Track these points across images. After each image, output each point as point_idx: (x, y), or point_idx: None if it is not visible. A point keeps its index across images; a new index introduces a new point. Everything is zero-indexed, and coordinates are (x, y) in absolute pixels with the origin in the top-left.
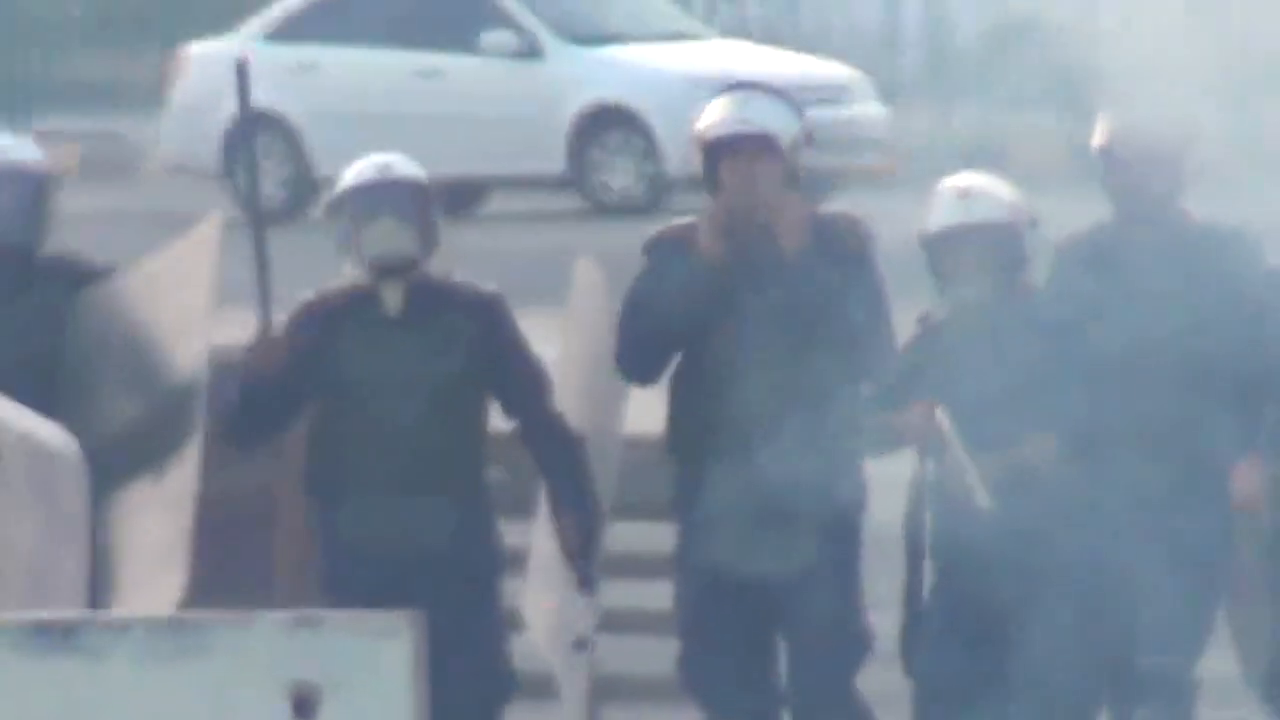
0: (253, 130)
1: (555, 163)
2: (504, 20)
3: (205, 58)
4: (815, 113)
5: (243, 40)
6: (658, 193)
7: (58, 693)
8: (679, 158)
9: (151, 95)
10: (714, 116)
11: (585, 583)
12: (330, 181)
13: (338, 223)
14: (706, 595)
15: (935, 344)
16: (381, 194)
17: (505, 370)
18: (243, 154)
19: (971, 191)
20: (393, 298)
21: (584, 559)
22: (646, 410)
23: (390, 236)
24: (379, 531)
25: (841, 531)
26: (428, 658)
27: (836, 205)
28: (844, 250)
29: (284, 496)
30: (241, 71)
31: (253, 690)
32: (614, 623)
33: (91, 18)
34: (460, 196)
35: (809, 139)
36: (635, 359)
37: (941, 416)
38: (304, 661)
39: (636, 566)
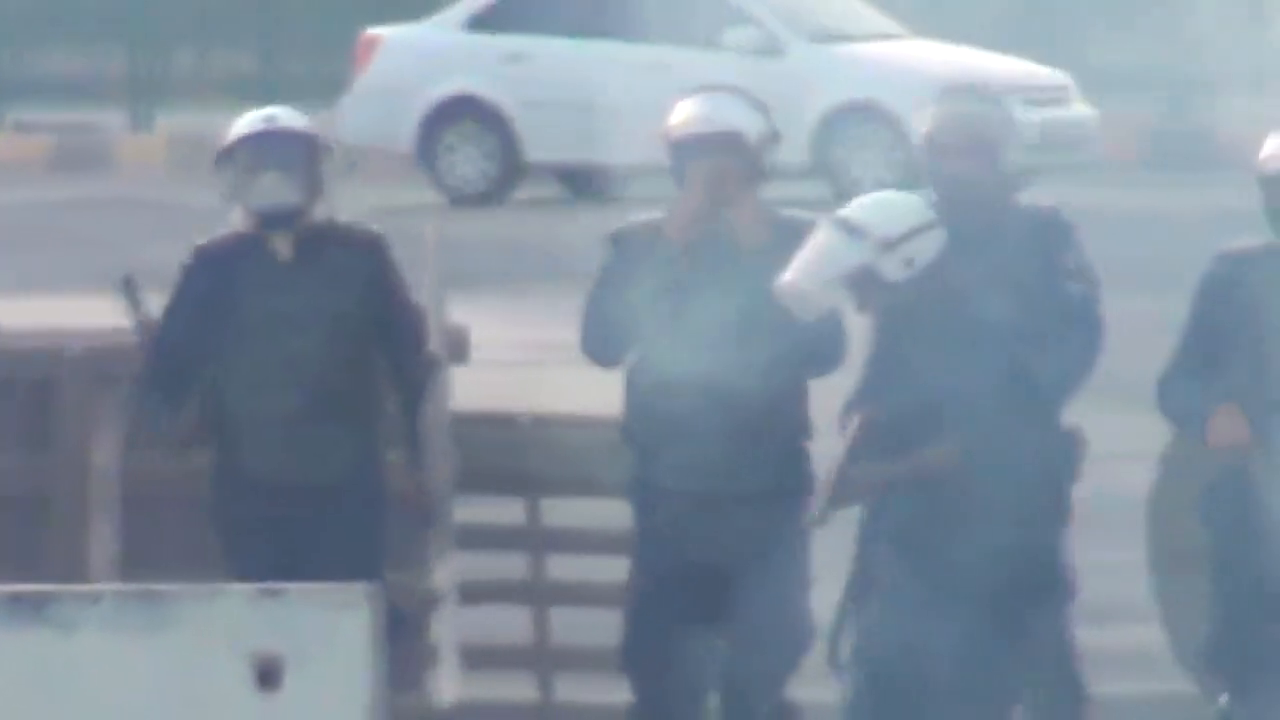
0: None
1: (797, 154)
2: (744, 18)
3: (398, 42)
4: (1043, 113)
5: (439, 27)
6: (909, 186)
7: (30, 662)
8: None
9: (120, 90)
10: (683, 115)
11: (429, 523)
12: (539, 168)
13: (224, 173)
14: (656, 578)
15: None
16: (269, 145)
17: (387, 309)
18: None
19: None
20: (283, 245)
21: (431, 508)
22: (602, 392)
23: (277, 188)
24: (278, 463)
25: (790, 521)
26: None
27: (1047, 199)
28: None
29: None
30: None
31: (218, 660)
32: (567, 596)
33: (63, 13)
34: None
35: (775, 137)
36: (598, 343)
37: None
38: (267, 632)
39: (589, 542)
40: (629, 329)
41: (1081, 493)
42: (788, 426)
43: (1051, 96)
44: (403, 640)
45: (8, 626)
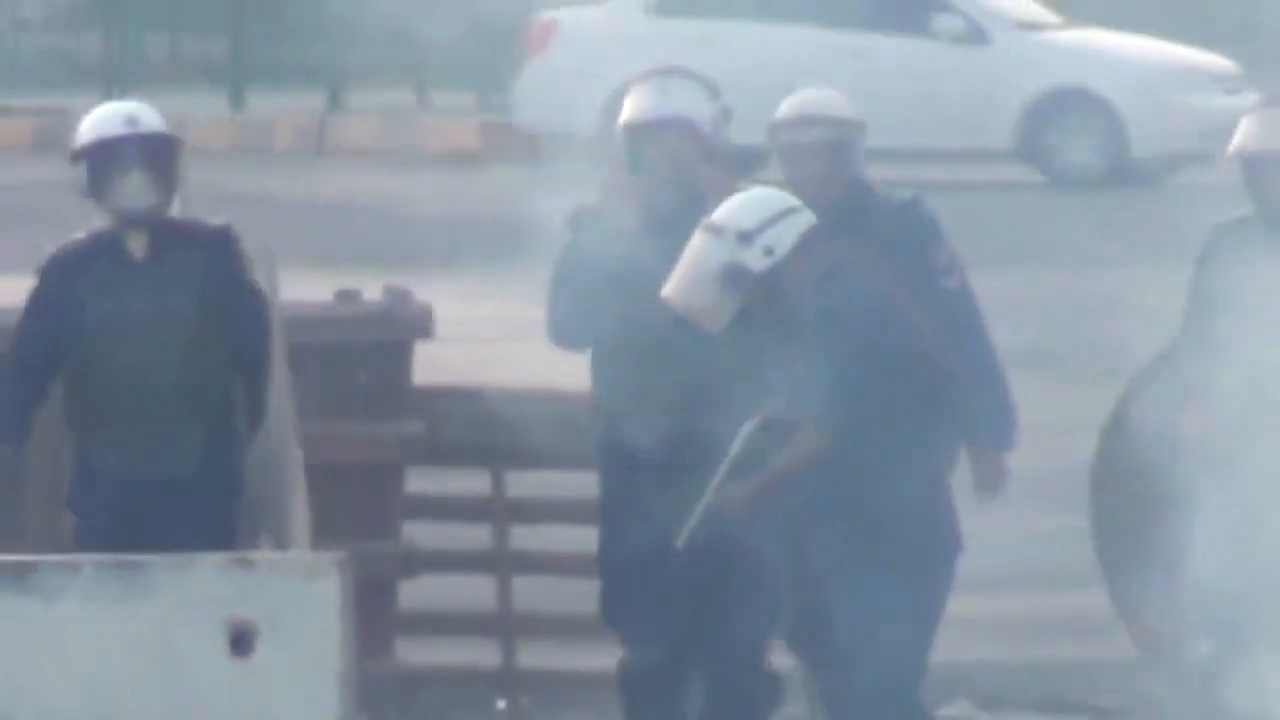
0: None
1: (1002, 140)
2: (947, 6)
3: (576, 27)
4: (1230, 100)
5: (620, 12)
6: (1119, 170)
7: (12, 629)
8: (1141, 138)
9: (96, 75)
10: (637, 101)
11: (280, 539)
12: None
13: (78, 169)
14: (627, 543)
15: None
16: (130, 147)
17: (228, 303)
18: None
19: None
20: (137, 243)
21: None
22: (573, 368)
23: (139, 190)
24: (127, 458)
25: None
26: None
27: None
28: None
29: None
30: None
31: (193, 627)
32: (530, 564)
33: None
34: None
35: (728, 117)
36: (564, 326)
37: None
38: (240, 600)
39: (551, 513)
40: (594, 309)
41: (1025, 463)
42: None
43: (1234, 85)
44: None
45: None
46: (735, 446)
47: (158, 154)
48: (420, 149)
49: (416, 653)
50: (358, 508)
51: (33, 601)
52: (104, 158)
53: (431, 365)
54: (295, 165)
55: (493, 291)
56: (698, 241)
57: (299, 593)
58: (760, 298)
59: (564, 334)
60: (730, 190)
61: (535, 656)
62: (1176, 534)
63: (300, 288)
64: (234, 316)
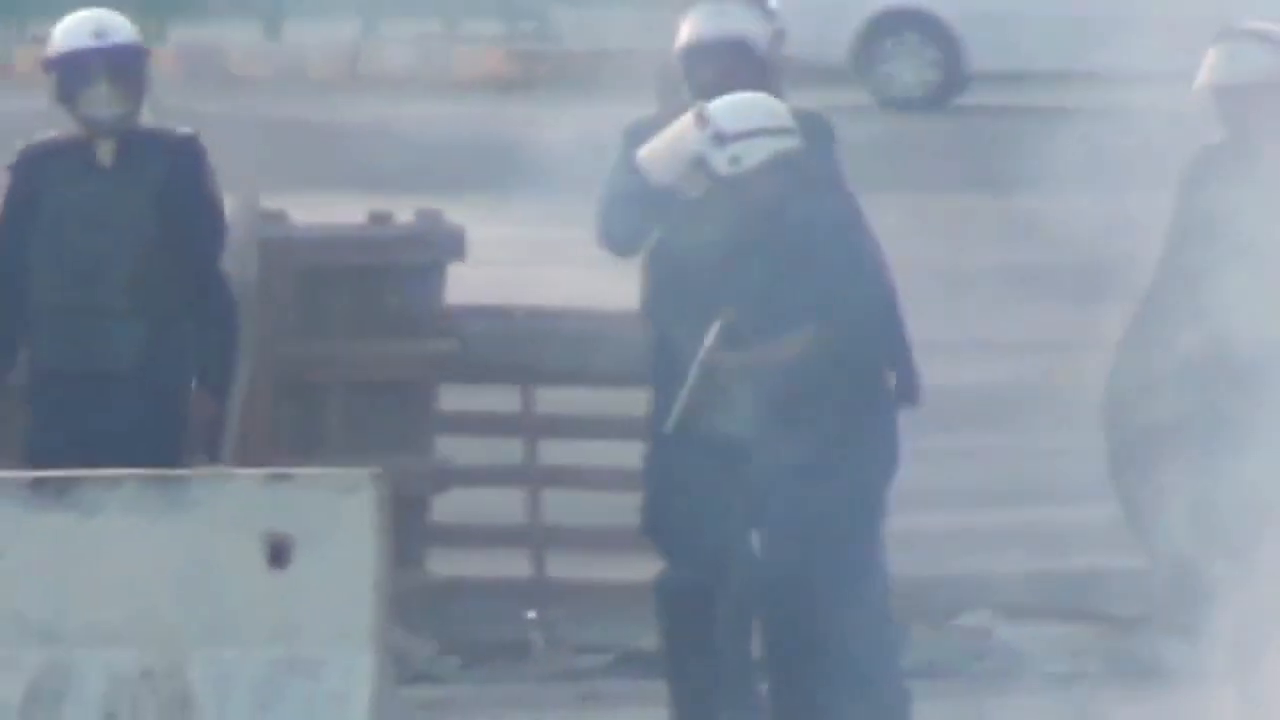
0: None
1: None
2: None
3: None
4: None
5: None
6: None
7: (55, 544)
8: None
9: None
10: (693, 23)
11: (214, 456)
12: (981, 76)
13: (51, 76)
14: (674, 450)
15: None
16: (99, 58)
17: (184, 210)
18: None
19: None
20: (105, 150)
21: (215, 429)
22: (601, 288)
23: (107, 100)
24: (73, 351)
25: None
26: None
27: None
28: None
29: (258, 364)
30: None
31: (232, 540)
32: (559, 479)
33: None
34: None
35: (783, 37)
36: (614, 233)
37: None
38: (277, 513)
39: (580, 428)
40: (643, 218)
41: (1032, 382)
42: None
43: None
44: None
45: (33, 510)
46: (706, 341)
47: (125, 65)
48: (451, 76)
49: (449, 565)
50: (392, 424)
51: (74, 516)
52: (72, 69)
53: (463, 286)
54: (329, 93)
55: (522, 215)
56: (686, 122)
57: (335, 506)
58: (722, 197)
59: (614, 241)
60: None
61: (565, 569)
62: (1184, 457)
63: (336, 211)
64: (190, 222)
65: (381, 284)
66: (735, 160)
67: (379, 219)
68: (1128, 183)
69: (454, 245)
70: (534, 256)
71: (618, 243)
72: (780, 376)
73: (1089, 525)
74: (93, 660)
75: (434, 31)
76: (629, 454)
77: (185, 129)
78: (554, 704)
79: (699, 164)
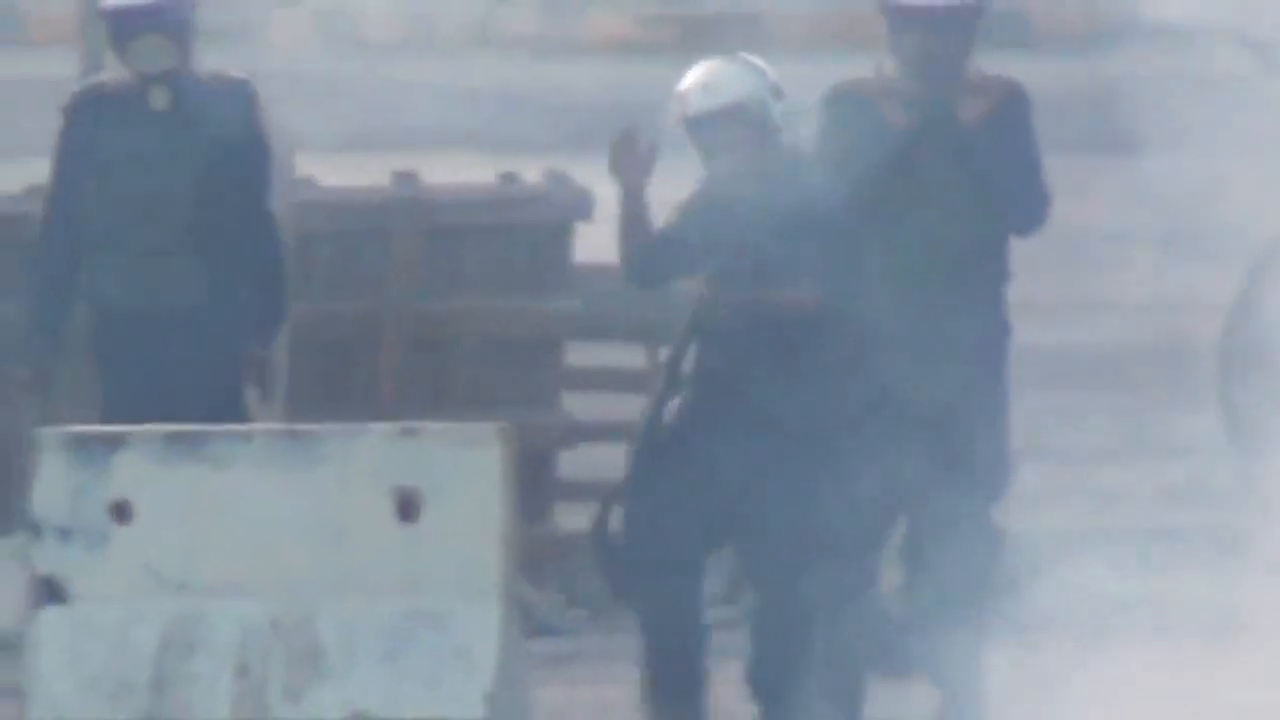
0: None
1: None
2: None
3: None
4: None
5: None
6: None
7: (188, 497)
8: None
9: None
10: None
11: (266, 394)
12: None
13: (107, 30)
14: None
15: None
16: (142, 16)
17: (236, 152)
18: None
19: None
20: (159, 96)
21: (265, 367)
22: None
23: (155, 52)
24: (136, 291)
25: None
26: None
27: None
28: (1006, 109)
29: (389, 320)
30: None
31: (361, 494)
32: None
33: None
34: None
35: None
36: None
37: None
38: (407, 468)
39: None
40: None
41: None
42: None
43: None
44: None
45: (167, 463)
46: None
47: (170, 17)
48: (580, 39)
49: (575, 520)
50: (519, 381)
51: (206, 470)
52: (120, 23)
53: (590, 245)
54: (459, 55)
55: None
56: (731, 64)
57: (463, 461)
58: (757, 146)
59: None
60: (978, 89)
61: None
62: None
63: (465, 171)
64: (241, 164)
65: (510, 243)
66: (781, 117)
67: (508, 179)
68: (1250, 146)
69: (581, 205)
70: (659, 216)
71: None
72: (779, 323)
73: (1204, 481)
74: (224, 611)
75: None
76: None
77: (240, 74)
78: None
79: (759, 110)
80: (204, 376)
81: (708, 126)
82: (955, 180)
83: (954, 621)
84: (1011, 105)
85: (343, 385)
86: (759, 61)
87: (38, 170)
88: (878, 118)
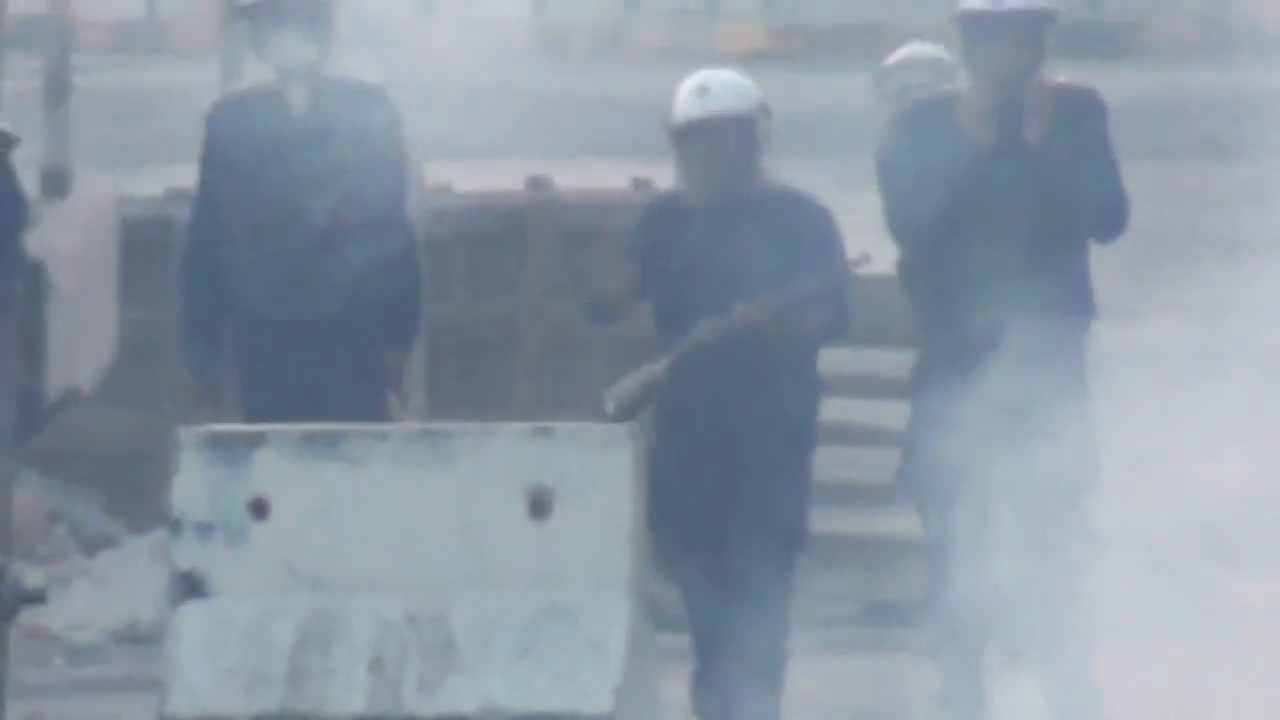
0: None
1: None
2: None
3: None
4: None
5: None
6: None
7: (325, 494)
8: None
9: None
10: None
11: (403, 401)
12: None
13: (246, 27)
14: (940, 416)
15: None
16: (285, 6)
17: (372, 157)
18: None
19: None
20: (297, 96)
21: (401, 374)
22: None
23: (294, 46)
24: (279, 299)
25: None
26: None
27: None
28: (1082, 117)
29: (523, 323)
30: None
31: (494, 492)
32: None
33: None
34: None
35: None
36: (903, 219)
37: None
38: (539, 467)
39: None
40: (929, 212)
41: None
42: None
43: None
44: None
45: (305, 461)
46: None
47: (313, 12)
48: (710, 49)
49: None
50: None
51: (343, 468)
52: (263, 15)
53: None
54: (593, 65)
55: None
56: (734, 81)
57: (594, 460)
58: (742, 161)
59: (901, 227)
60: (1051, 103)
61: (816, 521)
62: None
63: (598, 177)
64: (377, 169)
65: None
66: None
67: (639, 184)
68: None
69: None
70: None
71: (906, 231)
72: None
73: None
74: (360, 606)
75: (694, 8)
76: (884, 412)
77: (373, 79)
78: (803, 651)
79: (749, 118)
80: (345, 383)
81: (694, 135)
82: (1031, 188)
83: (1057, 618)
84: (1087, 113)
85: (479, 387)
86: (748, 79)
87: (179, 175)
88: (953, 129)
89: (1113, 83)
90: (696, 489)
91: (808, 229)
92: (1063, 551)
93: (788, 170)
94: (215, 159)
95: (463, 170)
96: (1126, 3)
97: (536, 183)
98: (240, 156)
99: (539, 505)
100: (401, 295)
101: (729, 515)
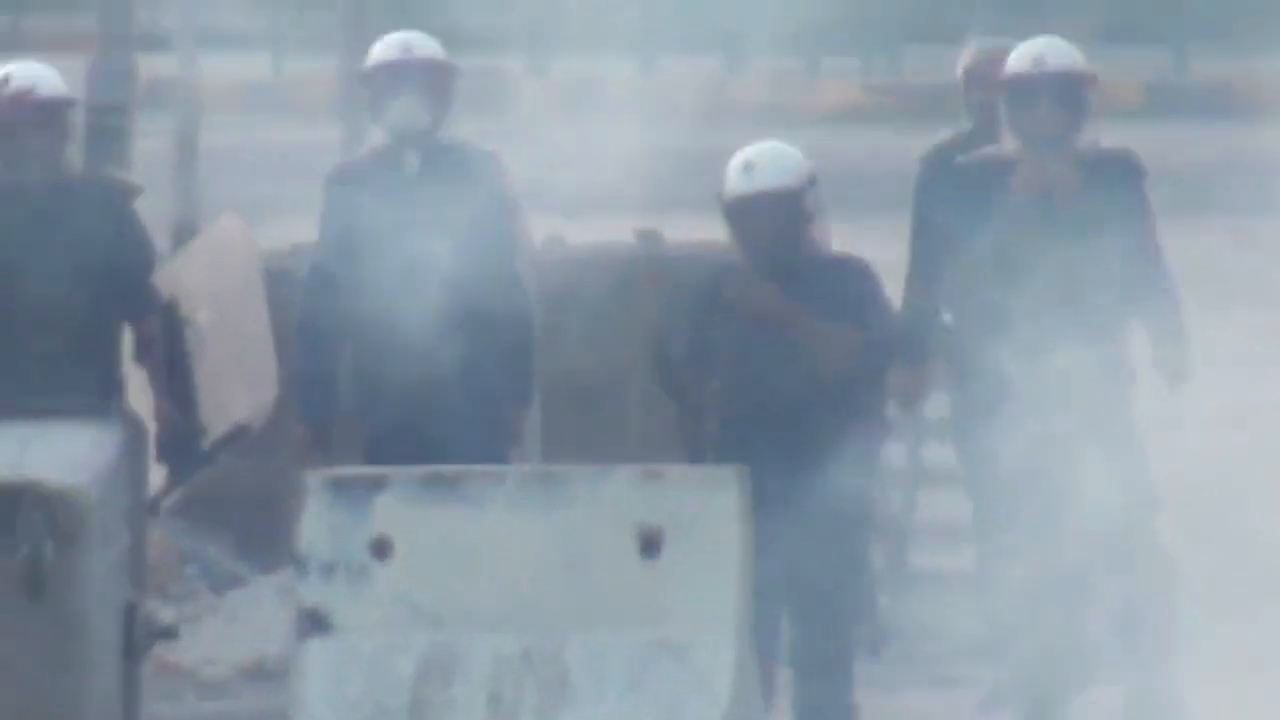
0: None
1: None
2: None
3: None
4: None
5: None
6: None
7: (444, 534)
8: None
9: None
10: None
11: (521, 455)
12: None
13: (367, 92)
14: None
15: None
16: (403, 72)
17: (485, 217)
18: None
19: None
20: (412, 160)
21: (520, 431)
22: None
23: (411, 111)
24: (399, 363)
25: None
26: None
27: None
28: (1118, 180)
29: (634, 373)
30: None
31: (606, 532)
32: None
33: None
34: None
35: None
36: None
37: None
38: (649, 508)
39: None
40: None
41: None
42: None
43: None
44: None
45: (425, 503)
46: None
47: (430, 78)
48: (810, 107)
49: None
50: None
51: (462, 510)
52: (382, 81)
53: None
54: (697, 121)
55: (880, 234)
56: (782, 154)
57: (703, 501)
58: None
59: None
60: (1077, 171)
61: (917, 557)
62: None
63: (703, 230)
64: (489, 229)
65: None
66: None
67: None
68: None
69: None
70: (889, 276)
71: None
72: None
73: None
74: (478, 642)
75: (794, 66)
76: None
77: (487, 146)
78: (906, 685)
79: (797, 192)
80: (468, 439)
81: (741, 211)
82: (1070, 248)
83: (1136, 638)
84: (1125, 177)
85: (591, 433)
86: (796, 152)
87: (302, 230)
88: (997, 189)
89: (1199, 141)
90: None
91: (852, 287)
92: (1141, 571)
93: (882, 225)
94: (333, 220)
95: (573, 225)
96: (1213, 62)
97: (645, 235)
98: (356, 218)
99: (649, 545)
100: (517, 350)
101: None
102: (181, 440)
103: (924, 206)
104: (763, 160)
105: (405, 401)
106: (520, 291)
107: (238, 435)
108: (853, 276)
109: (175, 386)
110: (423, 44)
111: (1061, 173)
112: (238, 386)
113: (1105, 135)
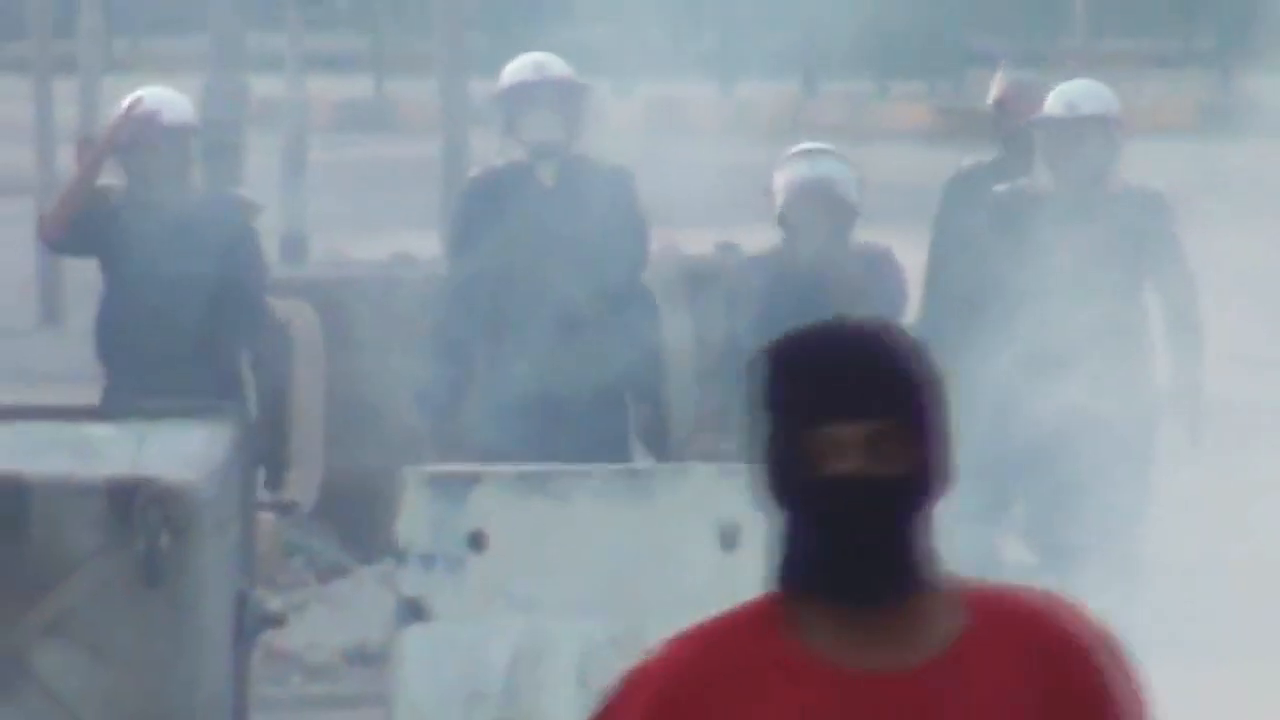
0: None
1: None
2: None
3: None
4: None
5: None
6: None
7: (536, 527)
8: None
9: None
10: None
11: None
12: None
13: (501, 110)
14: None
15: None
16: (537, 90)
17: (615, 230)
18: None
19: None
20: (547, 173)
21: (657, 431)
22: None
23: (544, 126)
24: (536, 368)
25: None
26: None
27: None
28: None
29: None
30: None
31: (688, 525)
32: None
33: None
34: None
35: (862, 185)
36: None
37: None
38: (728, 502)
39: None
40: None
41: None
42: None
43: None
44: None
45: (519, 497)
46: None
47: (563, 96)
48: (881, 125)
49: None
50: None
51: (553, 504)
52: (516, 99)
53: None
54: (774, 140)
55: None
56: (835, 155)
57: None
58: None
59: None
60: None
61: None
62: None
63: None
64: (624, 241)
65: None
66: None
67: None
68: None
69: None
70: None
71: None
72: None
73: None
74: (568, 629)
75: (865, 88)
76: None
77: (620, 161)
78: None
79: (848, 185)
80: (601, 448)
81: (802, 198)
82: (1099, 278)
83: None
84: (1152, 214)
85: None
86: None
87: (401, 241)
88: (1029, 221)
89: (1242, 159)
90: None
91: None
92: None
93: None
94: (469, 230)
95: (659, 238)
96: (1256, 80)
97: (725, 248)
98: (492, 229)
99: (728, 538)
100: (645, 358)
101: None
102: (275, 460)
103: (949, 229)
104: (821, 152)
105: (532, 411)
106: (650, 302)
107: (287, 509)
108: (886, 273)
109: (277, 410)
110: (554, 64)
111: (1097, 210)
112: (295, 463)
113: (1159, 154)
